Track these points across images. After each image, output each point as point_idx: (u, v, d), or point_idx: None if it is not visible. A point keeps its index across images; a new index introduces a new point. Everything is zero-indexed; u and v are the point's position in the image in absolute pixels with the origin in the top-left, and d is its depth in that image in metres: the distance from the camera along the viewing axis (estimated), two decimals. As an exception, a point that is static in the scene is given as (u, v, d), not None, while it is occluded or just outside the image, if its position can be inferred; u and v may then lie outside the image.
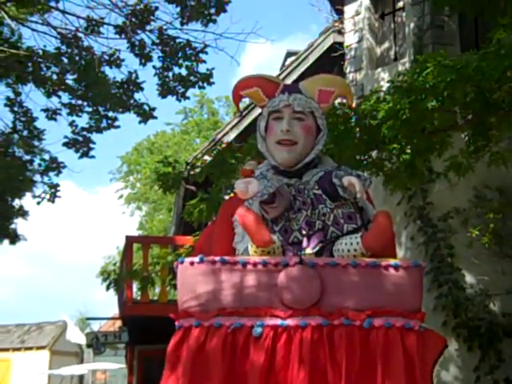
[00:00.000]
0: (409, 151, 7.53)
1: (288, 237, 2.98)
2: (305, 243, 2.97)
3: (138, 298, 14.95)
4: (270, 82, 3.23)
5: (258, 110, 11.96)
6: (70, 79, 11.84)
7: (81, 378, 33.57)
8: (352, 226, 2.99)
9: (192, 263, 2.88)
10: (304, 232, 2.98)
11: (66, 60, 11.65)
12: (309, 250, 2.95)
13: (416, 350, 2.75)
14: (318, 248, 2.96)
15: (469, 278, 10.03)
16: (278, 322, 2.77)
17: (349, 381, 2.68)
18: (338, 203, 3.02)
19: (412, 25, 11.03)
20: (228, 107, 36.03)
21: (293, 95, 3.15)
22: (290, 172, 3.13)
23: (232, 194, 3.27)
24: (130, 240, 15.39)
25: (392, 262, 2.86)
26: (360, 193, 2.91)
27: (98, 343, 17.55)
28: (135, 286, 14.72)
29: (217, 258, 2.87)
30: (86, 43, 11.77)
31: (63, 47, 11.58)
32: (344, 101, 6.50)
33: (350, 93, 3.39)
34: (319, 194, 3.04)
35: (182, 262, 2.91)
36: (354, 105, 5.01)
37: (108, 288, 13.38)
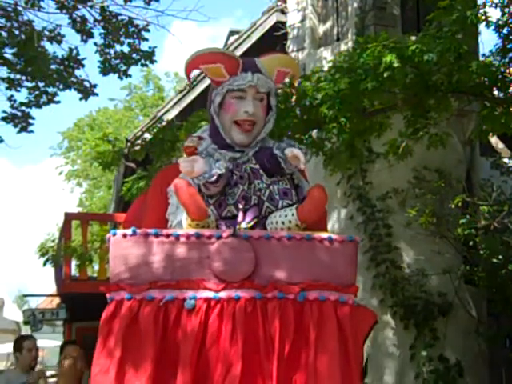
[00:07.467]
0: (348, 131, 7.58)
1: (222, 211, 2.97)
2: (240, 217, 2.96)
3: (77, 274, 14.80)
4: (231, 59, 3.10)
5: (200, 88, 11.80)
6: (8, 53, 11.60)
7: (18, 355, 33.24)
8: (287, 202, 2.99)
9: (125, 235, 2.83)
10: (240, 206, 2.97)
11: (4, 34, 11.43)
12: (244, 225, 2.94)
13: (349, 324, 2.77)
14: (252, 223, 2.96)
15: (406, 258, 10.17)
16: (211, 294, 2.76)
17: (282, 353, 2.69)
18: (274, 179, 3.03)
19: (355, 5, 11.08)
20: (176, 83, 35.63)
21: (255, 75, 3.08)
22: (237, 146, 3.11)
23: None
24: (68, 217, 15.21)
25: (327, 235, 2.86)
26: (303, 164, 2.94)
27: (36, 320, 17.35)
28: (74, 263, 14.57)
29: (150, 231, 2.83)
30: (25, 17, 11.56)
31: (2, 21, 11.37)
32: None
33: (299, 73, 3.42)
34: (256, 168, 3.05)
35: (115, 235, 2.86)
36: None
37: (45, 264, 13.23)
